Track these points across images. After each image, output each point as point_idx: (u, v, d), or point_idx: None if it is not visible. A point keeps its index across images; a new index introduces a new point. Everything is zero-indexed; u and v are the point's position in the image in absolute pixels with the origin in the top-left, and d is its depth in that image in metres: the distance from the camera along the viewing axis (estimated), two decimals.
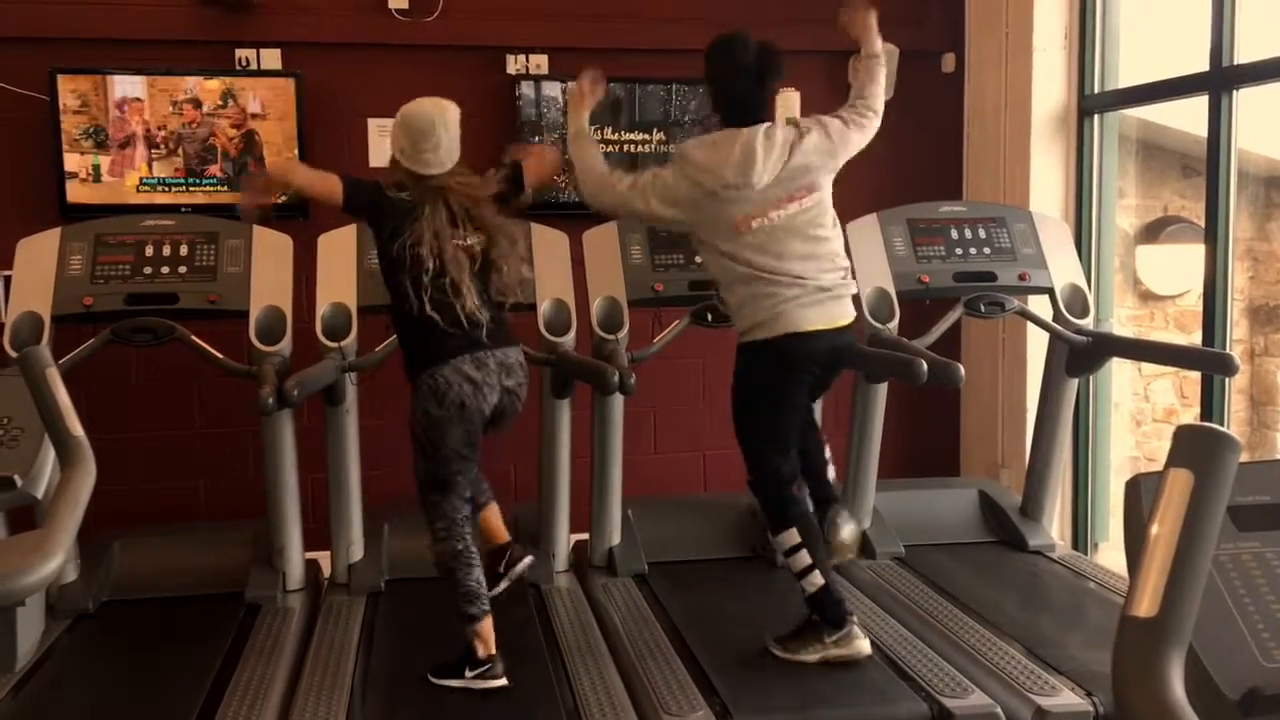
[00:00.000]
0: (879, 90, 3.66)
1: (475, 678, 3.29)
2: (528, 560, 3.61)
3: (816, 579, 3.39)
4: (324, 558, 4.32)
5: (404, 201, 3.34)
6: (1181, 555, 1.01)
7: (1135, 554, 1.06)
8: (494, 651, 3.32)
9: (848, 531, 3.57)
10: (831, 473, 3.75)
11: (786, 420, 3.51)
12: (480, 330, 3.33)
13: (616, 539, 4.40)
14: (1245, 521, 1.24)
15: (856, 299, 3.63)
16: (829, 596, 3.41)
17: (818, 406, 3.94)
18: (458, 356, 3.30)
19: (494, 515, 3.68)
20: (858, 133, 3.59)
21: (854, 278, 3.60)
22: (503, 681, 3.29)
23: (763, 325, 3.40)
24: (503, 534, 3.67)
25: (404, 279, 3.30)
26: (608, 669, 3.42)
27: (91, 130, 4.73)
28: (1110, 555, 4.92)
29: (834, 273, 3.46)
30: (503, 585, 3.54)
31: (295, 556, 4.17)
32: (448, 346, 3.31)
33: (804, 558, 3.40)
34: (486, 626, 3.34)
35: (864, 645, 3.43)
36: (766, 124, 3.43)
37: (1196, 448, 1.04)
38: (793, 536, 3.42)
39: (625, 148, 5.23)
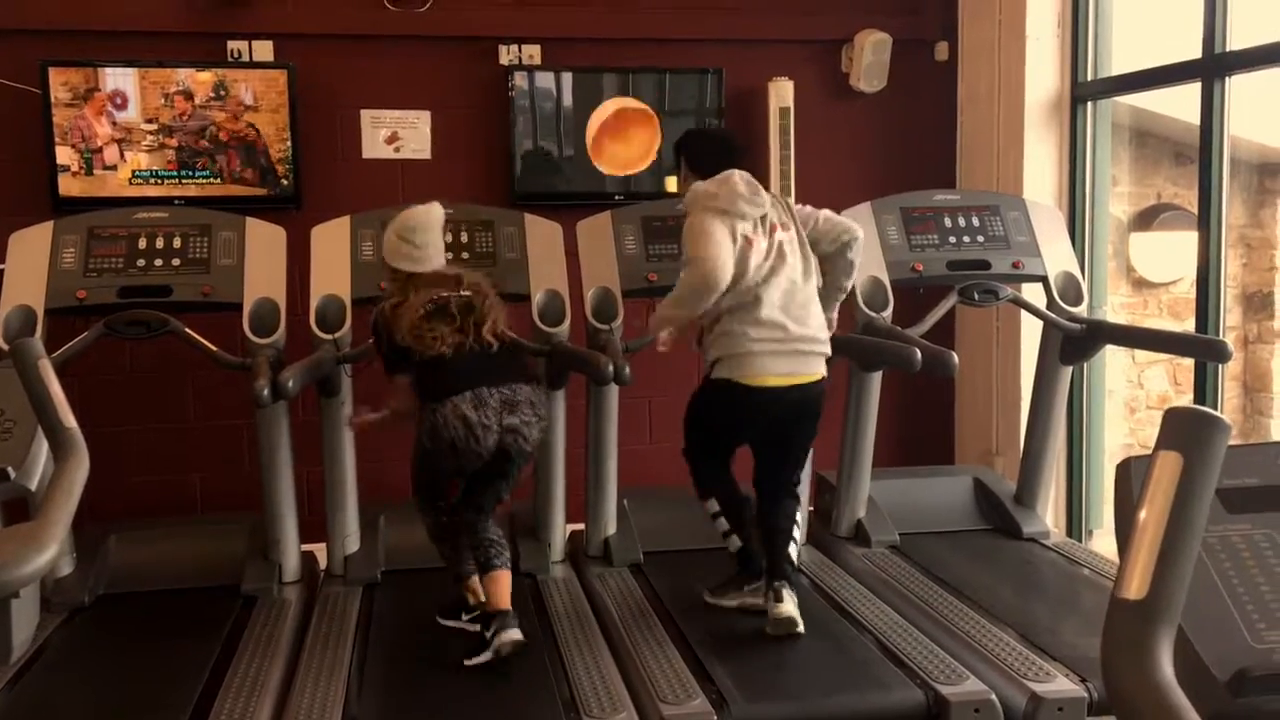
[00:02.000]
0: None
1: (491, 633, 3.35)
2: (517, 637, 3.34)
3: (735, 541, 3.78)
4: (320, 550, 4.33)
5: (391, 314, 3.49)
6: (1171, 537, 1.02)
7: (1125, 536, 1.07)
8: (504, 607, 3.39)
9: (785, 608, 3.56)
10: (794, 550, 3.75)
11: (727, 447, 3.80)
12: (487, 362, 3.45)
13: (612, 529, 4.41)
14: (1235, 504, 1.24)
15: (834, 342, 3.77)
16: (746, 555, 3.76)
17: (805, 477, 4.01)
18: (459, 394, 3.38)
19: (503, 580, 3.47)
20: (824, 227, 3.69)
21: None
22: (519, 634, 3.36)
23: (723, 363, 3.57)
24: (504, 602, 3.42)
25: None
26: (604, 658, 3.42)
27: (79, 124, 4.72)
28: (1104, 542, 4.93)
29: (818, 326, 3.62)
30: (484, 656, 3.33)
31: (291, 548, 4.17)
32: (450, 383, 3.41)
33: (724, 523, 3.78)
34: (474, 582, 3.54)
35: (783, 609, 3.55)
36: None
37: (1186, 430, 1.04)
38: (713, 505, 3.79)
39: None
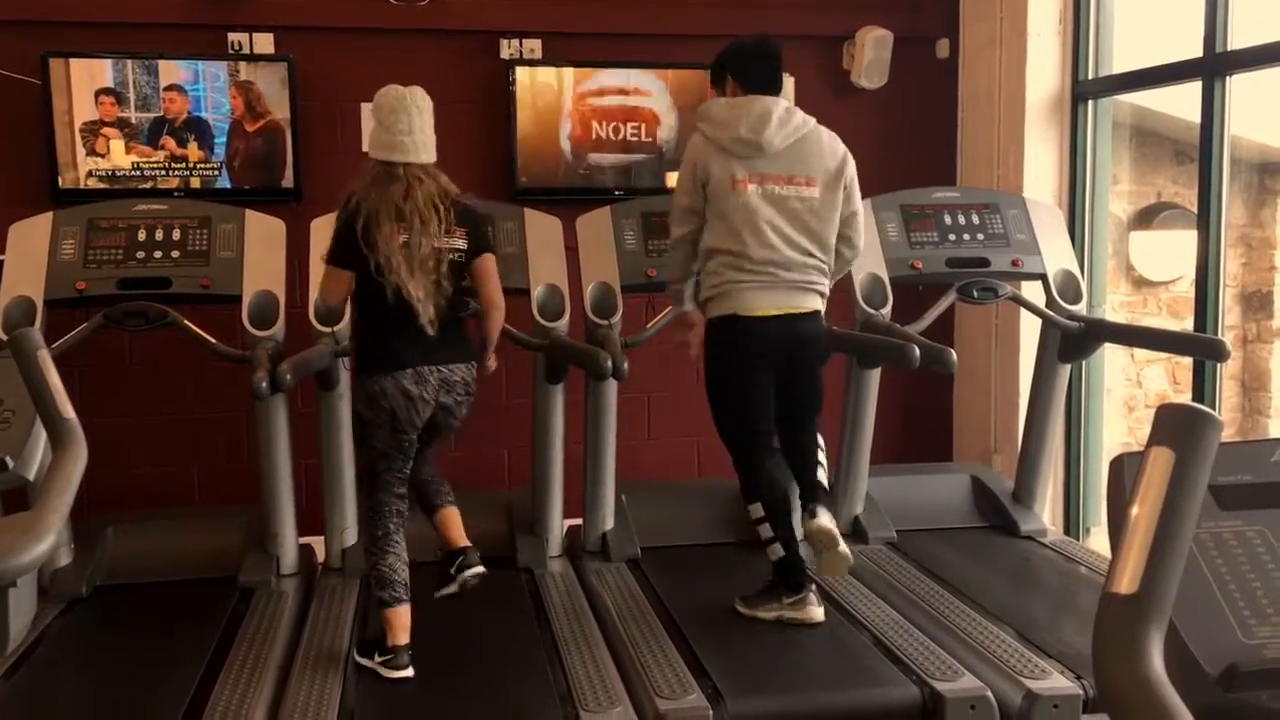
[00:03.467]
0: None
1: (381, 664, 3.30)
2: (478, 570, 3.45)
3: (778, 550, 3.61)
4: (318, 542, 4.33)
5: (356, 210, 3.25)
6: (1162, 533, 1.02)
7: (1117, 532, 1.07)
8: (401, 642, 3.31)
9: (821, 522, 3.57)
10: (822, 475, 3.74)
11: (746, 398, 3.65)
12: (431, 341, 3.30)
13: (610, 524, 4.41)
14: (1227, 500, 1.25)
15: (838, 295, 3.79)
16: (789, 565, 3.62)
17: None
18: (401, 370, 3.28)
19: (451, 517, 3.57)
20: (853, 203, 3.69)
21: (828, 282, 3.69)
22: (405, 674, 3.27)
23: (714, 302, 3.59)
24: (460, 538, 3.53)
25: (369, 276, 3.26)
26: (601, 653, 3.43)
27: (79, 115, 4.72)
28: (1101, 540, 4.93)
29: (804, 269, 3.57)
30: (450, 588, 3.45)
31: (289, 541, 4.18)
32: (396, 357, 3.30)
33: (767, 529, 3.62)
34: (397, 614, 3.33)
35: (817, 613, 3.60)
36: (787, 103, 3.60)
37: (1178, 426, 1.04)
38: (758, 510, 3.64)
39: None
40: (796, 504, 3.71)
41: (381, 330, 3.33)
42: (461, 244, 3.36)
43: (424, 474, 3.59)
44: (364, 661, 3.34)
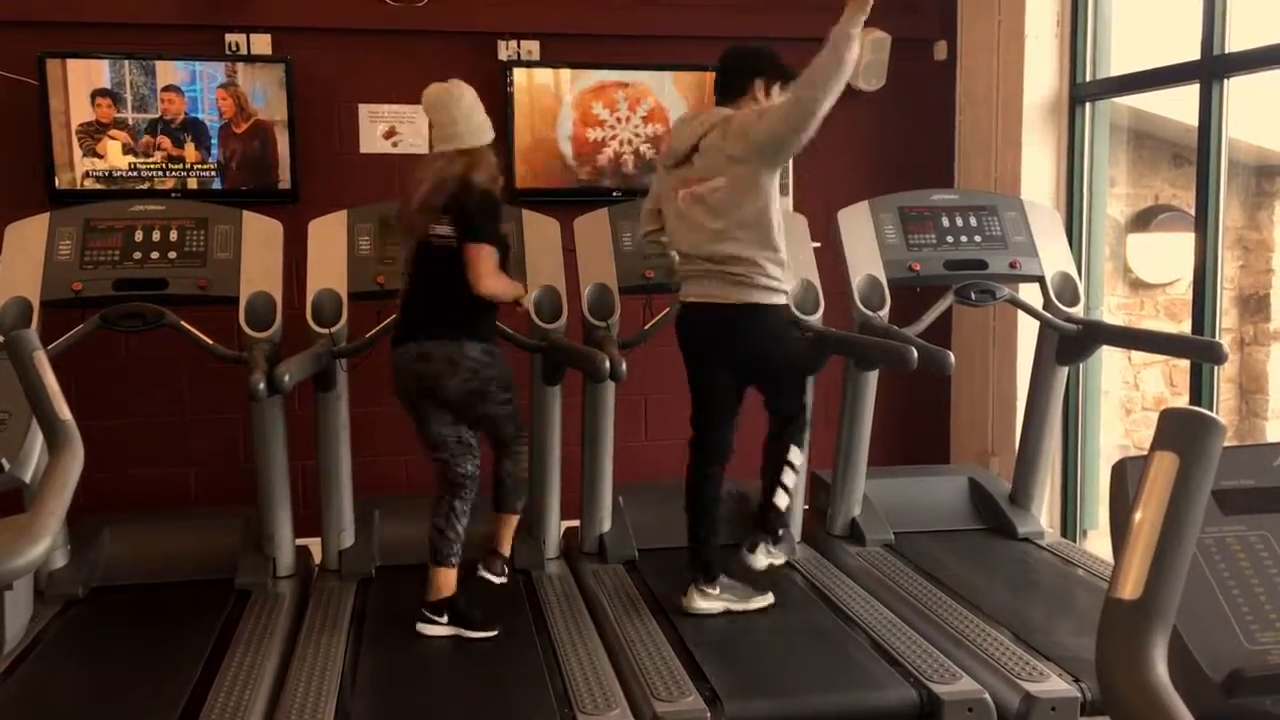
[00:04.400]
0: (813, 71, 3.48)
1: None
2: (497, 580, 3.84)
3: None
4: (315, 544, 4.33)
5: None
6: (1166, 538, 1.02)
7: (1121, 536, 1.07)
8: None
9: (757, 561, 3.80)
10: (783, 500, 3.81)
11: (698, 389, 3.81)
12: (416, 323, 3.59)
13: (607, 526, 4.41)
14: (1230, 505, 1.25)
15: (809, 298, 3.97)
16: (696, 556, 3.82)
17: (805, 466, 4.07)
18: (402, 345, 3.61)
19: (504, 522, 3.85)
20: (765, 122, 3.52)
21: (781, 275, 3.67)
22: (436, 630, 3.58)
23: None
24: (501, 545, 3.87)
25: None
26: (598, 655, 3.42)
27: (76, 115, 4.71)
28: (1099, 543, 4.94)
29: (731, 260, 3.60)
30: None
31: (286, 543, 4.17)
32: (399, 332, 3.66)
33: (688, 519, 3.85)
34: (437, 574, 3.64)
35: (691, 603, 3.75)
36: (720, 109, 3.68)
37: (1181, 431, 1.04)
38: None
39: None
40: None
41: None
42: (447, 231, 3.57)
43: (500, 469, 3.77)
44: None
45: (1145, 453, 1.09)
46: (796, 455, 3.80)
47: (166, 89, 4.77)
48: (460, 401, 3.59)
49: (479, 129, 3.62)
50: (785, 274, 3.66)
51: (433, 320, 3.58)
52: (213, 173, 4.83)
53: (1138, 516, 1.03)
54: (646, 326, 4.20)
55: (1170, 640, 1.02)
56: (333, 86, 4.97)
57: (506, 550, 3.85)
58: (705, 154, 3.62)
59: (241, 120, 4.83)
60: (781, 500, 3.80)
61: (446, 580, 3.63)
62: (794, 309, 4.04)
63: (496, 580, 3.80)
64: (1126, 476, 1.22)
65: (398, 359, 3.61)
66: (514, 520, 3.85)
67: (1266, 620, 1.18)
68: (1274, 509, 1.25)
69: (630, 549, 4.34)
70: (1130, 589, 1.01)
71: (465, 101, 3.61)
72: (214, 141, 4.82)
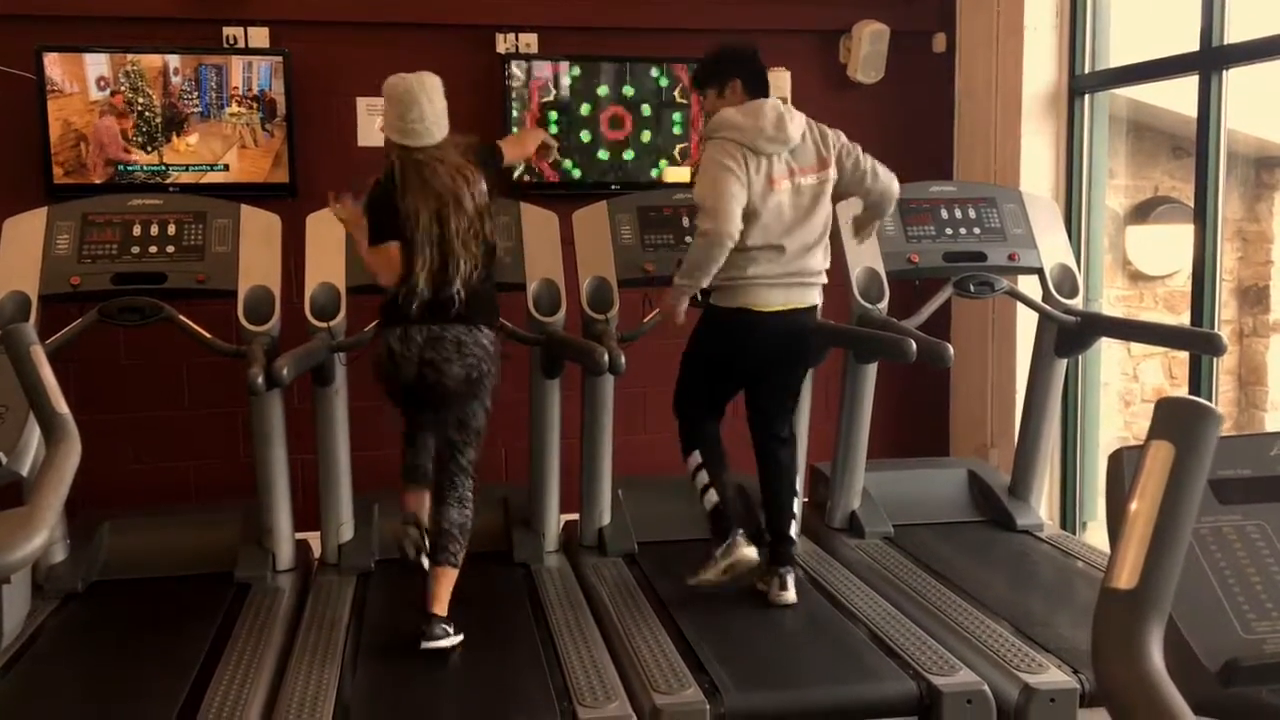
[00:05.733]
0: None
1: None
2: (433, 644, 3.37)
3: (713, 496, 3.74)
4: (314, 538, 4.33)
5: (390, 187, 3.41)
6: (1162, 527, 1.01)
7: (1116, 526, 1.06)
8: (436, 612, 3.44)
9: (789, 596, 3.76)
10: (794, 528, 3.88)
11: (724, 384, 3.85)
12: (421, 306, 3.39)
13: (606, 519, 4.41)
14: (1227, 494, 1.24)
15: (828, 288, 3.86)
16: (720, 513, 3.73)
17: (802, 450, 4.17)
18: (390, 328, 3.45)
19: (440, 578, 3.47)
20: (851, 159, 3.79)
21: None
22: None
23: (723, 293, 3.66)
24: (437, 605, 3.44)
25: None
26: (597, 648, 3.42)
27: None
28: (1098, 535, 4.93)
29: (818, 272, 3.74)
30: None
31: (285, 537, 4.17)
32: (391, 316, 3.46)
33: (704, 476, 3.76)
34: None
35: (750, 551, 3.68)
36: (781, 99, 3.72)
37: (1178, 420, 1.04)
38: (695, 458, 3.79)
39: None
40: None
41: (391, 294, 3.47)
42: (484, 187, 3.48)
43: (445, 518, 3.52)
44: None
45: (1142, 442, 1.09)
46: (798, 479, 3.94)
47: (164, 82, 4.76)
48: (456, 392, 3.47)
49: (443, 121, 3.48)
50: None
51: (449, 302, 3.44)
52: (210, 166, 4.82)
53: (1133, 506, 1.03)
54: (645, 320, 4.19)
55: (1166, 630, 1.02)
56: (331, 79, 4.96)
57: (444, 610, 3.44)
58: (809, 146, 3.69)
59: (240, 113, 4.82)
60: (794, 528, 3.87)
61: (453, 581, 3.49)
62: None
63: (447, 644, 3.39)
64: (1123, 466, 1.22)
65: (389, 343, 3.45)
66: (454, 576, 3.48)
67: (1262, 609, 1.18)
68: (1271, 499, 1.25)
69: (629, 542, 4.34)
70: (1126, 579, 1.01)
71: (438, 95, 3.46)
72: (213, 135, 4.81)
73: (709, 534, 3.77)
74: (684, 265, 3.65)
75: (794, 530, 3.87)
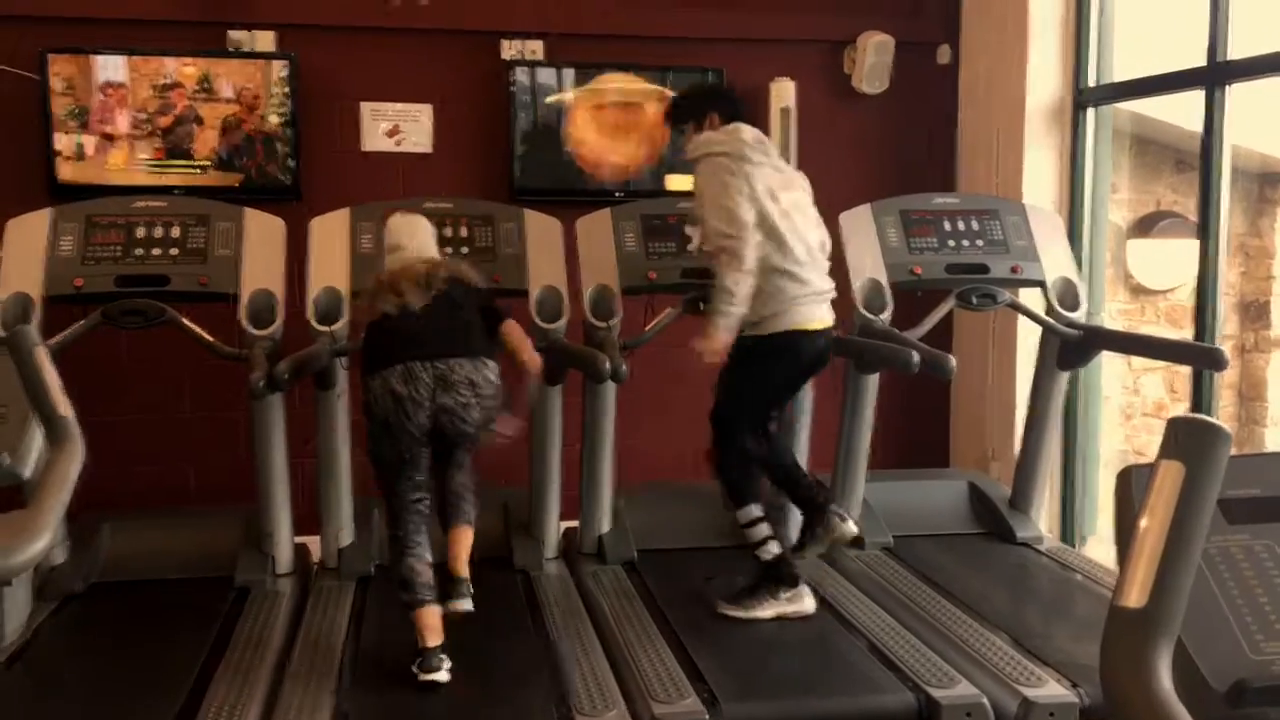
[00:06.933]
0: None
1: (416, 668, 3.20)
2: (462, 607, 3.30)
3: (774, 548, 3.72)
4: (314, 542, 4.32)
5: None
6: (1171, 547, 1.01)
7: (1126, 545, 1.06)
8: (430, 644, 3.19)
9: (851, 527, 3.79)
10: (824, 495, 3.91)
11: (772, 402, 3.87)
12: (427, 332, 3.25)
13: (606, 527, 4.40)
14: (1235, 514, 1.24)
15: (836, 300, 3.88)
16: (784, 561, 3.73)
17: (802, 460, 4.20)
18: (389, 367, 3.20)
19: (457, 538, 3.39)
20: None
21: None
22: (434, 677, 3.16)
23: (771, 320, 3.64)
24: (458, 566, 3.36)
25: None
26: (596, 656, 3.42)
27: (76, 110, 4.70)
28: (1098, 548, 4.93)
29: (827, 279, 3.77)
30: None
31: (285, 540, 4.16)
32: (384, 355, 3.24)
33: (764, 529, 3.72)
34: (420, 615, 3.22)
35: (812, 602, 3.72)
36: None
37: (1189, 440, 1.04)
38: (751, 512, 3.73)
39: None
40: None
41: (374, 331, 3.36)
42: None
43: (454, 483, 3.43)
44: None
45: (1148, 460, 1.08)
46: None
47: (170, 85, 4.76)
48: (466, 435, 3.32)
49: (431, 247, 3.63)
50: None
51: (447, 335, 3.30)
52: (215, 169, 4.82)
53: (1143, 525, 1.03)
54: (648, 328, 4.19)
55: (1174, 650, 1.02)
56: (336, 84, 4.97)
57: (466, 570, 3.39)
58: (788, 166, 3.80)
59: (245, 117, 4.82)
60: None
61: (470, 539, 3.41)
62: None
63: (465, 608, 3.34)
64: (1132, 484, 1.22)
65: (390, 385, 3.20)
66: (470, 535, 3.43)
67: (1271, 630, 1.18)
68: (1279, 519, 1.25)
69: (629, 550, 4.33)
70: (1135, 598, 1.01)
71: (429, 234, 3.64)
72: (217, 138, 4.81)
73: (766, 575, 3.73)
74: (718, 292, 3.54)
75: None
